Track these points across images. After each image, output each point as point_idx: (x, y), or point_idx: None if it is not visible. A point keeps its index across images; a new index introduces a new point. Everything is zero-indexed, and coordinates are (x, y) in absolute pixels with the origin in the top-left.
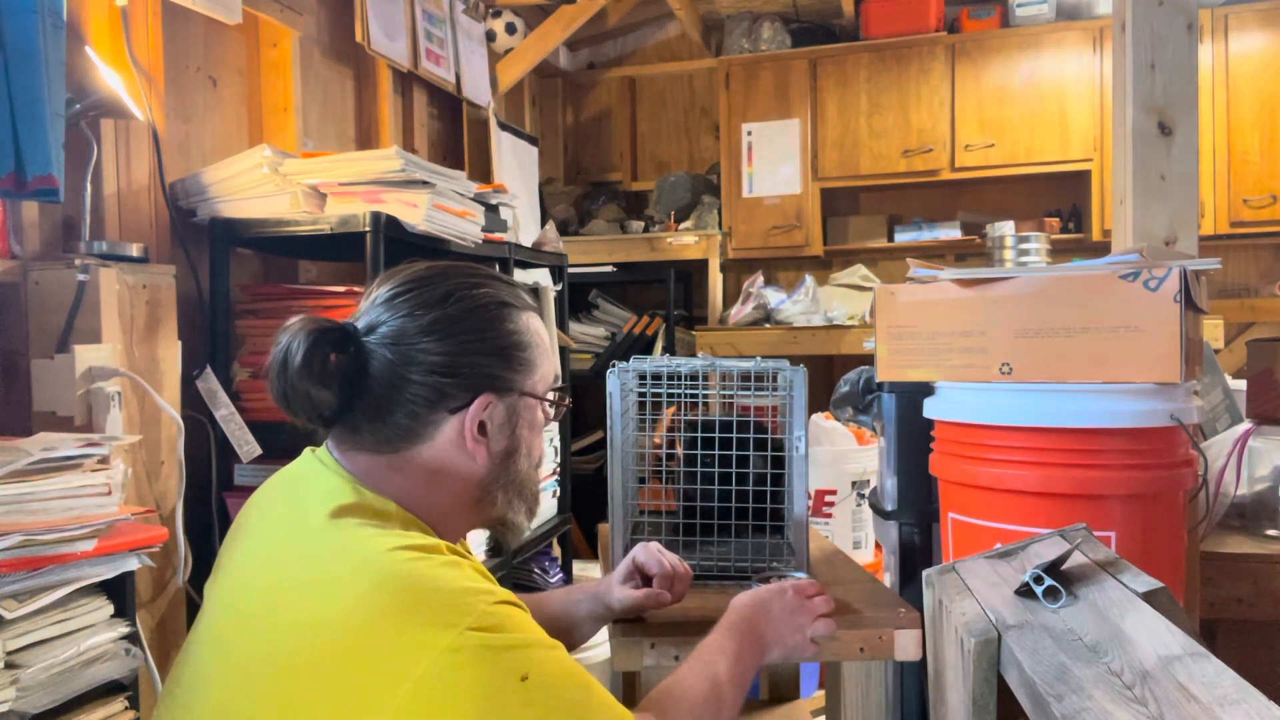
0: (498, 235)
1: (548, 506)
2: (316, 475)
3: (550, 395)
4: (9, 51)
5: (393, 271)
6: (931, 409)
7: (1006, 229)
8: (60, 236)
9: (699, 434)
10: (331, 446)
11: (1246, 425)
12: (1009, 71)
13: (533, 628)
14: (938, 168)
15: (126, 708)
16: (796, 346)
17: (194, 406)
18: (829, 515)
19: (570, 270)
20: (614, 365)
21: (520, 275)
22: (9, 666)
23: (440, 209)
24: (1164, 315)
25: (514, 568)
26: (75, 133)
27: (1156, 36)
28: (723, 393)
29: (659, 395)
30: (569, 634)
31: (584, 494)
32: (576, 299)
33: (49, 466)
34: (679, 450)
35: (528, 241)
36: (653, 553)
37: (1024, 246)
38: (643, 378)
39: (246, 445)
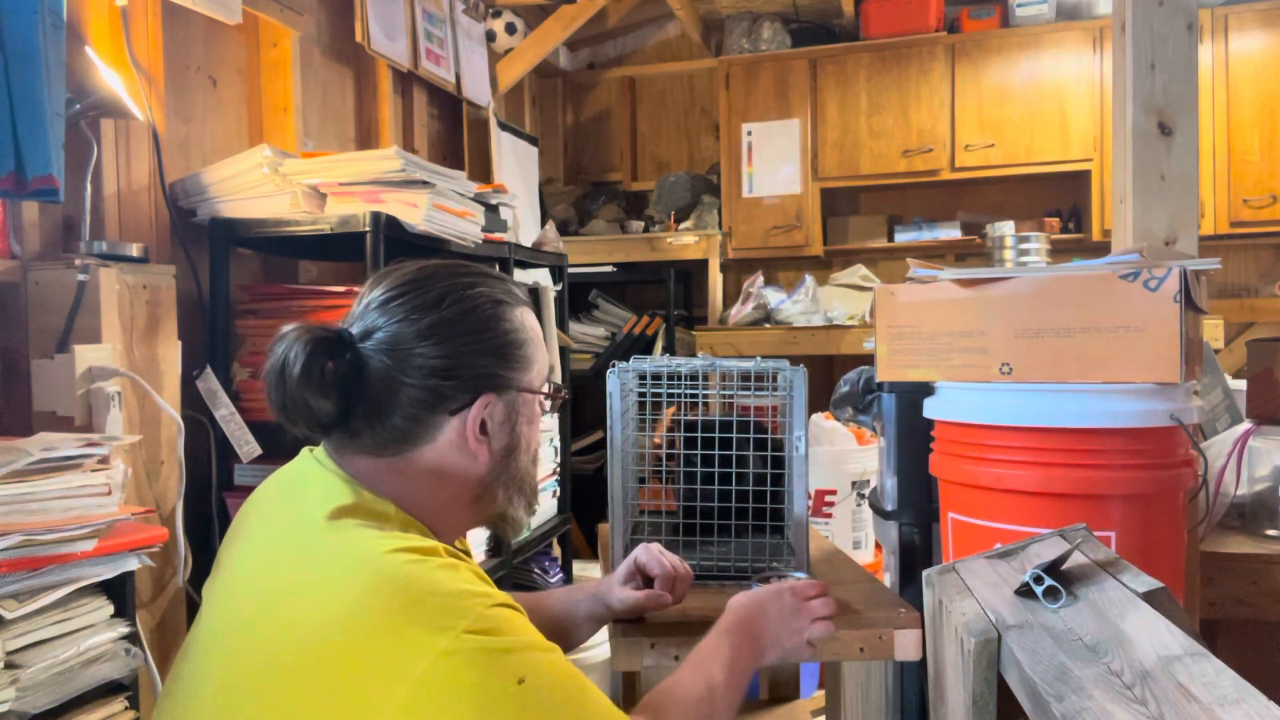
0: (498, 235)
1: (547, 506)
2: (315, 476)
3: (546, 388)
4: (9, 51)
5: (384, 273)
6: (931, 409)
7: (1006, 229)
8: (60, 236)
9: (699, 434)
10: (329, 448)
11: (1246, 425)
12: (1009, 71)
13: (529, 631)
14: (938, 168)
15: (126, 708)
16: (796, 346)
17: (194, 406)
18: (829, 515)
19: (570, 270)
20: (614, 365)
21: (520, 275)
22: (9, 666)
23: (440, 209)
24: (1164, 315)
25: (514, 568)
26: (75, 133)
27: (1156, 36)
28: (723, 393)
29: (659, 395)
30: (568, 634)
31: (584, 494)
32: (576, 299)
33: (49, 466)
34: (679, 450)
35: (528, 241)
36: (654, 554)
37: (1024, 246)
38: (643, 378)
39: (246, 445)
